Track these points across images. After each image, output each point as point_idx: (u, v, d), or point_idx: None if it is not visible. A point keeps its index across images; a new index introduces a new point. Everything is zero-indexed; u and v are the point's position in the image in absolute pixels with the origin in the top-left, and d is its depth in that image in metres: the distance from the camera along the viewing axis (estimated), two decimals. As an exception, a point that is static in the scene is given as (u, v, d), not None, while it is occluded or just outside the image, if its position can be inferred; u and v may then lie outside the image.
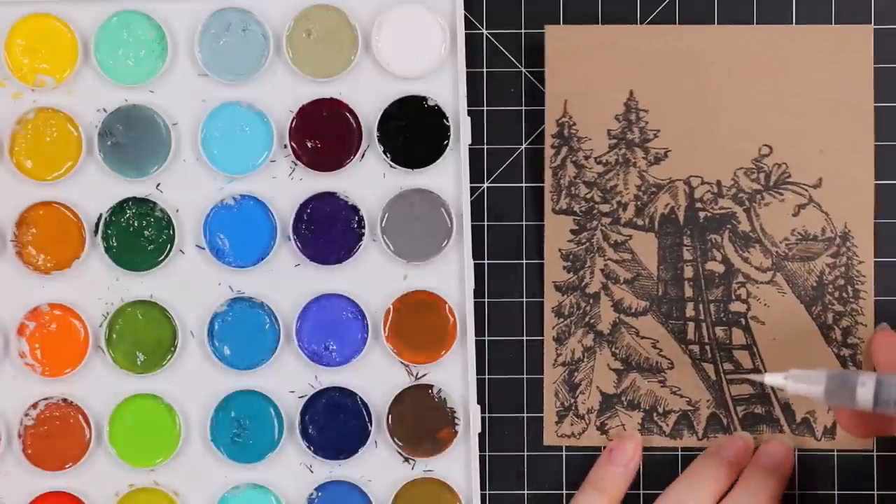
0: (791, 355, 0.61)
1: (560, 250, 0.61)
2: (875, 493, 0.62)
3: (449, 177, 0.61)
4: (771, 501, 0.59)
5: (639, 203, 0.61)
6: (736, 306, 0.61)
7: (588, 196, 0.61)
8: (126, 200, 0.61)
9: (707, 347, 0.61)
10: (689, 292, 0.61)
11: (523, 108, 0.62)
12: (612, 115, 0.61)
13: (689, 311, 0.61)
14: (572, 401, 0.62)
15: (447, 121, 0.61)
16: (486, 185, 0.62)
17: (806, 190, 0.61)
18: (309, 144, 0.61)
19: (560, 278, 0.62)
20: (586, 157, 0.61)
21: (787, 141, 0.61)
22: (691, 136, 0.61)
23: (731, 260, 0.61)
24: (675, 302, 0.61)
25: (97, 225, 0.62)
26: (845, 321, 0.61)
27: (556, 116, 0.61)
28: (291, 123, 0.61)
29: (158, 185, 0.62)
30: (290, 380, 0.62)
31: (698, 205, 0.61)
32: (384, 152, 0.61)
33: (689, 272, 0.61)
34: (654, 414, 0.61)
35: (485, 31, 0.62)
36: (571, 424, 0.62)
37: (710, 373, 0.61)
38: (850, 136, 0.61)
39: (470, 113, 0.61)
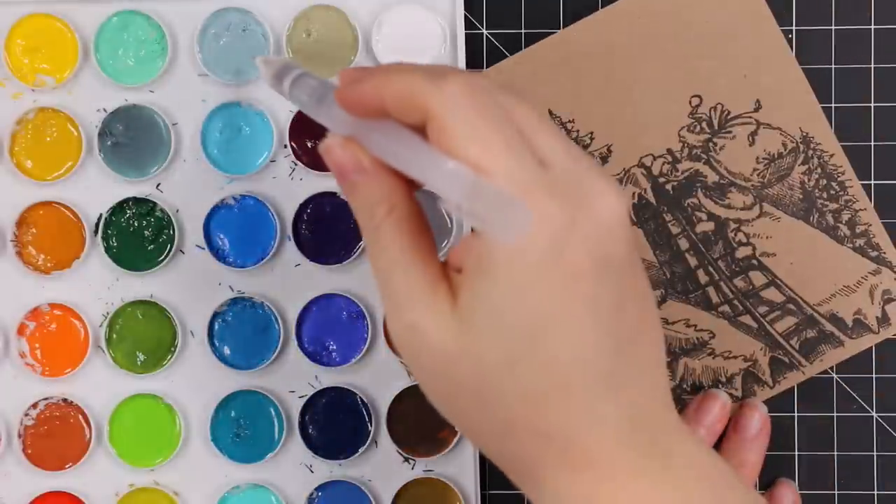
0: (813, 270, 0.61)
1: None
2: (875, 493, 0.62)
3: (449, 177, 0.61)
4: (754, 473, 0.59)
5: None
6: (742, 252, 0.62)
7: None
8: (126, 200, 0.61)
9: (735, 302, 0.62)
10: (693, 262, 0.62)
11: (523, 108, 0.62)
12: None
13: (703, 278, 0.62)
14: None
15: (447, 121, 0.61)
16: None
17: (750, 116, 0.61)
18: (309, 144, 0.61)
19: None
20: None
21: (711, 83, 0.61)
22: (623, 122, 0.61)
23: (716, 213, 0.62)
24: (686, 276, 0.62)
25: (97, 225, 0.62)
26: (845, 215, 0.61)
27: None
28: (291, 123, 0.61)
29: (158, 185, 0.62)
30: (290, 380, 0.62)
31: (661, 179, 0.62)
32: (384, 152, 0.61)
33: (684, 244, 0.62)
34: (720, 384, 0.62)
35: (485, 31, 0.62)
36: None
37: (750, 322, 0.62)
38: (761, 49, 0.61)
39: (470, 113, 0.61)
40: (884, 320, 0.62)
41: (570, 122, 0.61)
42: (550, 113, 0.61)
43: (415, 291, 0.40)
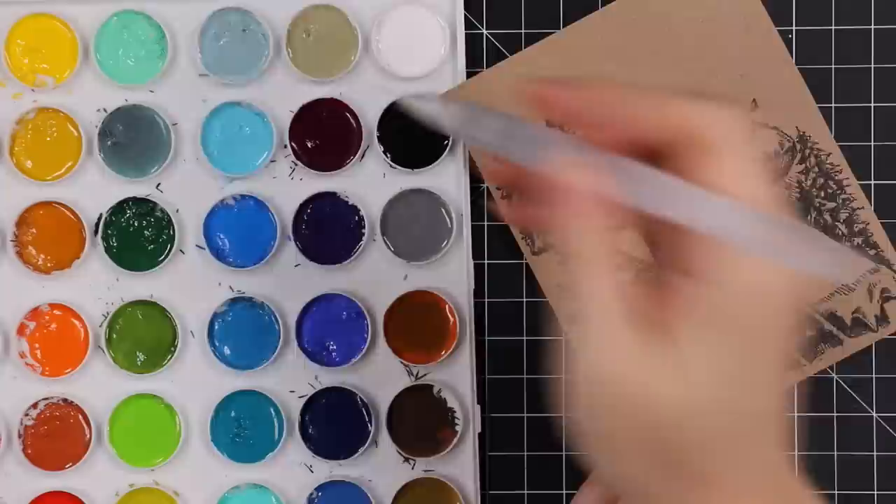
0: None
1: (559, 284, 0.61)
2: (875, 493, 0.62)
3: (449, 177, 0.61)
4: None
5: None
6: None
7: None
8: (126, 200, 0.62)
9: None
10: None
11: (523, 108, 0.62)
12: None
13: None
14: None
15: (447, 121, 0.61)
16: (486, 185, 0.62)
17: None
18: (309, 144, 0.61)
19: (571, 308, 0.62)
20: None
21: (707, 83, 0.61)
22: None
23: None
24: None
25: (97, 225, 0.62)
26: (843, 213, 0.61)
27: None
28: (291, 123, 0.61)
29: (158, 185, 0.62)
30: (290, 380, 0.62)
31: None
32: (384, 152, 0.61)
33: None
34: None
35: (485, 31, 0.62)
36: None
37: None
38: (757, 48, 0.61)
39: (470, 113, 0.61)
40: (882, 319, 0.62)
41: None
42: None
43: (630, 337, 0.38)
